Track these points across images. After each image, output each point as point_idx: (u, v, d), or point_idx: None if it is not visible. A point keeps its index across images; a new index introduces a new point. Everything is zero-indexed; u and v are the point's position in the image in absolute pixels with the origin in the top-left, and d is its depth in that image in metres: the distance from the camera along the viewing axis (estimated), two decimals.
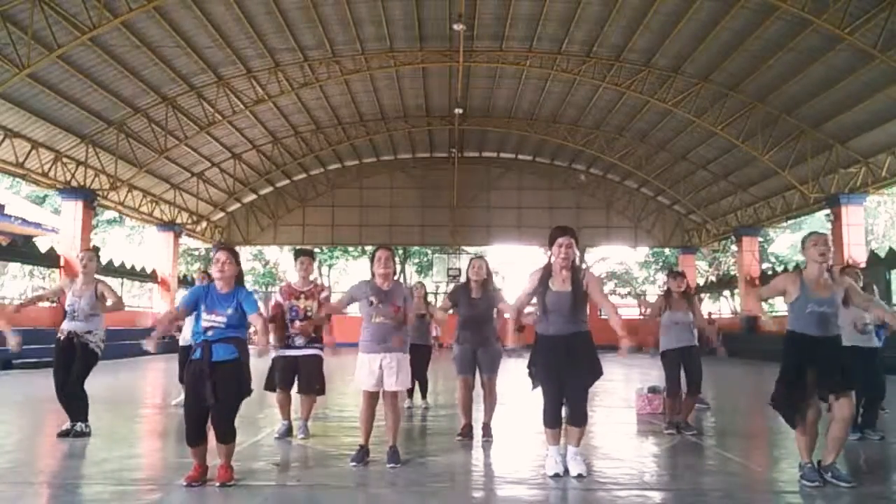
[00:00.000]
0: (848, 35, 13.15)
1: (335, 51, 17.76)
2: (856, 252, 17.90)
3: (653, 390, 7.42)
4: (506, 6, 15.84)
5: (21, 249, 18.60)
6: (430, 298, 8.97)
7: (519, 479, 4.32)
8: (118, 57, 15.29)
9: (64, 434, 5.46)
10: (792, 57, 15.16)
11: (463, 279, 5.89)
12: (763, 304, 5.01)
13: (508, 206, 28.10)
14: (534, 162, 27.83)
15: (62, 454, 5.00)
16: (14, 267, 29.36)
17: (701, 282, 31.30)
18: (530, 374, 4.50)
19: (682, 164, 23.43)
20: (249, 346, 4.22)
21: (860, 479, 4.21)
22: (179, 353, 7.28)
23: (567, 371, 4.30)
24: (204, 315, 4.08)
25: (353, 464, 4.52)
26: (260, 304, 4.42)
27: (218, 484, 3.94)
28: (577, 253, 4.41)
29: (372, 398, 4.67)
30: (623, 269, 40.76)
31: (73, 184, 18.29)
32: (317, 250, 32.63)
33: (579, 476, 4.20)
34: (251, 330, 4.34)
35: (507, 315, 5.47)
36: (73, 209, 18.57)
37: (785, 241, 35.17)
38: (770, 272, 25.68)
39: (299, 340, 5.46)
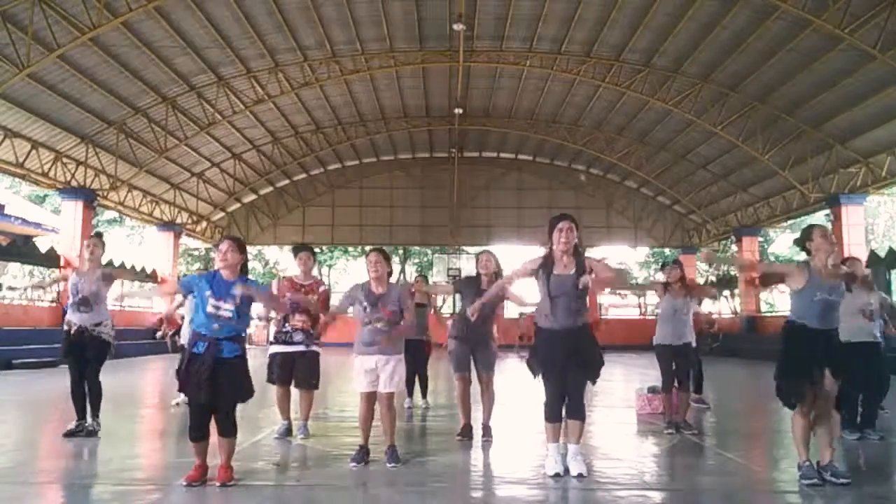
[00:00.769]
0: (848, 35, 13.15)
1: (335, 51, 17.76)
2: (856, 252, 17.86)
3: (653, 390, 7.41)
4: (506, 6, 15.84)
5: (21, 249, 18.59)
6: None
7: (519, 479, 4.32)
8: (118, 57, 15.29)
9: (71, 433, 5.43)
10: (792, 57, 15.15)
11: (472, 273, 5.86)
12: (760, 298, 5.03)
13: (508, 206, 28.09)
14: (534, 162, 27.83)
15: (62, 454, 5.00)
16: (14, 267, 29.35)
17: (701, 282, 31.29)
18: (529, 366, 4.50)
19: (682, 164, 23.43)
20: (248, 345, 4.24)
21: (860, 479, 4.21)
22: (182, 352, 7.28)
23: (568, 365, 4.30)
24: (211, 301, 4.03)
25: (353, 464, 4.52)
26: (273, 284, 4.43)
27: (218, 484, 3.94)
28: (577, 239, 4.39)
29: (369, 399, 4.67)
30: (623, 269, 40.77)
31: (73, 184, 18.28)
32: (317, 250, 32.51)
33: (579, 476, 4.20)
34: (257, 323, 4.37)
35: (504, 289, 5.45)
36: (73, 209, 18.57)
37: (785, 241, 35.15)
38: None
39: (297, 336, 5.48)
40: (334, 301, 5.74)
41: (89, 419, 5.50)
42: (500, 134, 24.95)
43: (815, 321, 4.14)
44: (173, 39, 15.29)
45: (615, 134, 22.95)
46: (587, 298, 4.48)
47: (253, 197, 27.53)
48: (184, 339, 7.19)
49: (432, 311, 7.92)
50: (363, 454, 4.59)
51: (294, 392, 5.68)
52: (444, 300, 24.98)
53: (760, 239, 27.19)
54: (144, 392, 10.29)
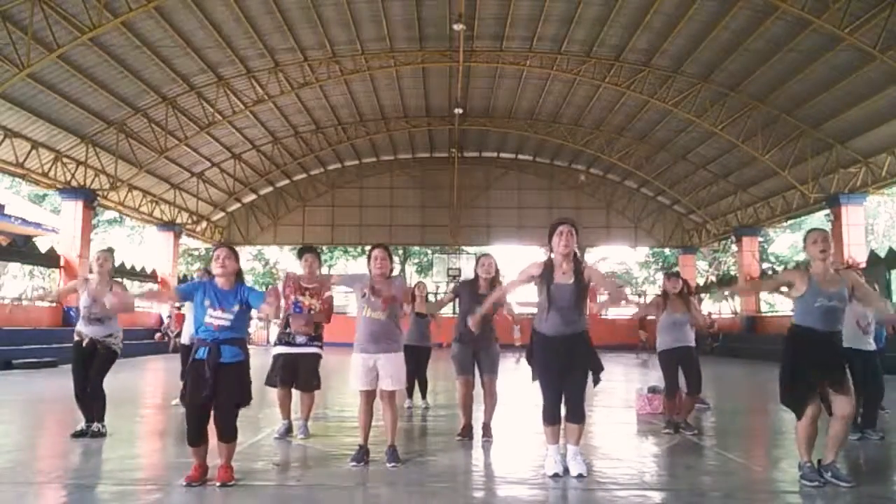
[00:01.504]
0: (848, 35, 13.15)
1: (335, 51, 17.76)
2: (856, 252, 17.89)
3: (653, 390, 7.42)
4: (506, 6, 15.84)
5: (21, 249, 18.60)
6: (431, 299, 8.93)
7: (519, 479, 4.32)
8: (118, 57, 15.29)
9: (79, 434, 5.44)
10: (792, 57, 15.15)
11: (470, 276, 5.87)
12: (760, 298, 4.99)
13: (508, 206, 28.09)
14: (534, 162, 27.83)
15: (62, 454, 5.00)
16: (14, 267, 29.35)
17: (701, 282, 31.29)
18: (529, 362, 4.51)
19: (682, 164, 23.43)
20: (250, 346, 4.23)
21: (860, 479, 4.21)
22: (181, 351, 7.28)
23: (566, 369, 4.30)
24: (210, 311, 4.05)
25: (353, 464, 4.52)
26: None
27: (218, 484, 3.94)
28: (577, 248, 4.41)
29: (368, 397, 4.67)
30: (623, 269, 40.75)
31: (73, 184, 18.29)
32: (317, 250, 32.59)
33: (580, 476, 4.20)
34: (257, 323, 4.36)
35: (506, 313, 5.50)
36: (73, 209, 18.57)
37: (785, 241, 35.18)
38: (770, 272, 25.67)
39: (300, 338, 5.49)
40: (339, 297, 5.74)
41: (95, 423, 5.51)
42: (500, 134, 24.94)
43: (819, 324, 4.13)
44: (173, 39, 15.29)
45: (615, 134, 22.95)
46: (587, 303, 4.47)
47: (253, 197, 27.53)
48: (184, 338, 7.20)
49: (432, 319, 7.95)
50: (363, 454, 4.59)
51: (295, 392, 5.68)
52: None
53: (760, 239, 27.18)
54: (145, 392, 10.29)
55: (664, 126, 21.19)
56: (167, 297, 4.74)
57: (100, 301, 5.48)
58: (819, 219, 25.21)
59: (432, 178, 27.87)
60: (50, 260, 18.60)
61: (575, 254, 4.39)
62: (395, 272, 4.95)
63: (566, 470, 4.28)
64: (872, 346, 5.75)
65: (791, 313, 4.38)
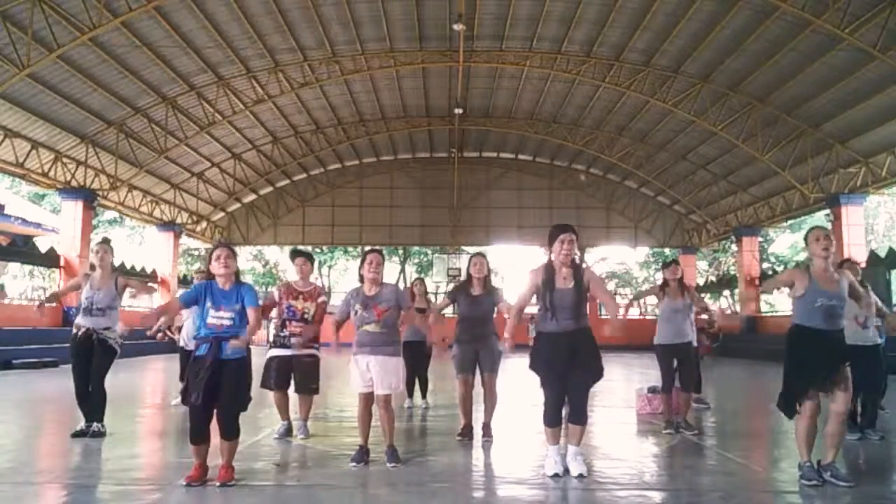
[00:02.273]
0: (848, 35, 13.15)
1: (335, 51, 17.76)
2: (856, 252, 17.85)
3: (653, 390, 7.41)
4: (506, 6, 15.84)
5: (21, 249, 18.60)
6: (430, 297, 8.88)
7: (519, 479, 4.32)
8: (118, 57, 15.29)
9: (79, 434, 5.43)
10: (792, 57, 15.16)
11: (463, 277, 5.87)
12: (761, 300, 4.94)
13: (508, 206, 28.09)
14: (534, 162, 27.83)
15: (63, 454, 5.00)
16: (14, 267, 29.35)
17: (701, 282, 31.30)
18: (533, 368, 4.50)
19: (682, 164, 23.44)
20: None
21: (860, 479, 4.21)
22: (181, 355, 7.27)
23: (570, 369, 4.30)
24: (211, 312, 4.06)
25: (353, 464, 4.52)
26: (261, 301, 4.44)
27: (218, 484, 3.94)
28: (578, 253, 4.43)
29: (367, 399, 4.67)
30: (623, 269, 40.75)
31: (73, 184, 18.29)
32: (317, 250, 32.62)
33: (580, 476, 4.20)
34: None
35: (506, 315, 5.48)
36: (73, 209, 18.57)
37: (785, 241, 35.16)
38: (770, 272, 25.68)
39: (294, 340, 5.48)
40: (333, 305, 5.73)
41: (94, 423, 5.51)
42: (500, 134, 24.94)
43: (820, 322, 4.13)
44: (173, 39, 15.29)
45: (615, 134, 22.95)
46: (587, 304, 4.48)
47: (253, 197, 27.53)
48: (183, 338, 7.20)
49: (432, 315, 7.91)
50: (363, 454, 4.59)
51: (293, 395, 5.68)
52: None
53: (760, 239, 27.17)
54: (144, 392, 10.29)
55: (664, 126, 21.19)
56: (173, 309, 4.73)
57: (104, 291, 5.52)
58: (819, 219, 25.20)
59: (432, 178, 27.87)
60: (50, 260, 18.60)
61: (574, 260, 4.41)
62: (393, 276, 4.94)
63: (566, 470, 4.28)
64: (875, 341, 5.73)
65: (791, 313, 4.38)
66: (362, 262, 4.73)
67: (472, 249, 29.82)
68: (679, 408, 6.19)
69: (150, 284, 6.43)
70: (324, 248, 33.44)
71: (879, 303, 5.80)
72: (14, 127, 16.02)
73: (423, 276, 28.47)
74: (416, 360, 7.50)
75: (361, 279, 4.74)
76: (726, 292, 32.11)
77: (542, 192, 28.09)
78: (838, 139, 17.57)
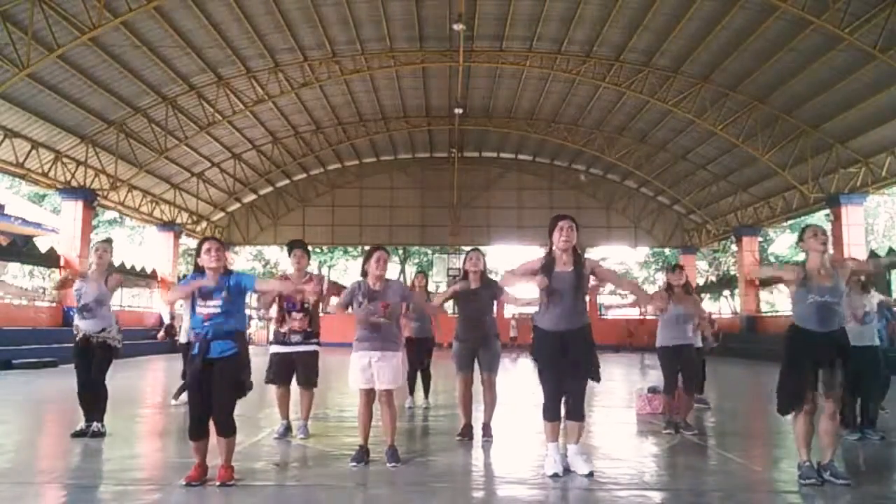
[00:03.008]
0: (848, 35, 13.14)
1: (335, 51, 17.76)
2: (856, 252, 17.88)
3: (653, 390, 7.42)
4: (506, 6, 15.84)
5: (21, 249, 18.59)
6: (431, 291, 8.82)
7: (519, 479, 4.32)
8: (118, 57, 15.29)
9: (79, 434, 5.44)
10: (792, 57, 15.15)
11: (461, 274, 5.87)
12: (760, 298, 4.85)
13: (508, 206, 28.09)
14: (534, 162, 27.83)
15: (62, 454, 5.00)
16: (14, 267, 29.34)
17: (701, 282, 31.30)
18: (534, 358, 4.54)
19: (682, 164, 23.43)
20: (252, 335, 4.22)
21: (860, 479, 4.21)
22: (182, 349, 7.29)
23: (567, 367, 4.31)
24: (199, 302, 4.07)
25: (353, 464, 4.52)
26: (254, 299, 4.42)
27: (218, 483, 3.94)
28: (577, 238, 4.44)
29: (367, 396, 4.67)
30: (623, 269, 40.73)
31: (73, 184, 18.29)
32: (317, 250, 32.61)
33: (590, 475, 4.21)
34: (260, 313, 4.35)
35: (507, 293, 5.44)
36: (73, 209, 18.56)
37: (785, 241, 35.13)
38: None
39: (295, 337, 5.49)
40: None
41: (94, 423, 5.51)
42: (500, 134, 24.94)
43: (814, 324, 4.13)
44: (173, 39, 15.29)
45: (615, 134, 22.94)
46: (587, 297, 4.49)
47: (253, 197, 27.53)
48: (182, 337, 7.20)
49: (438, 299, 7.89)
50: (363, 454, 4.59)
51: (294, 392, 5.68)
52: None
53: (760, 239, 27.17)
54: (144, 392, 10.29)
55: (664, 126, 21.19)
56: (172, 297, 4.71)
57: (98, 291, 5.51)
58: (819, 219, 25.20)
59: (432, 178, 27.87)
60: (50, 260, 18.59)
61: (575, 248, 4.43)
62: (393, 275, 4.95)
63: (566, 469, 4.29)
64: (876, 342, 5.73)
65: (791, 313, 4.39)
66: (367, 258, 4.73)
67: None
68: (679, 408, 6.19)
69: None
70: (324, 248, 33.42)
71: (890, 301, 5.82)
72: (14, 127, 16.02)
73: (423, 270, 28.52)
74: (420, 356, 7.50)
75: (365, 274, 4.74)
76: (726, 292, 32.09)
77: (542, 192, 28.09)
78: (838, 139, 17.57)
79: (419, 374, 7.76)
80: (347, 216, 28.09)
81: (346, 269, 40.21)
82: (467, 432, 5.64)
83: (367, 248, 4.97)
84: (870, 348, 5.64)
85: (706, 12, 14.65)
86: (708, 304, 30.82)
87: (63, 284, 6.22)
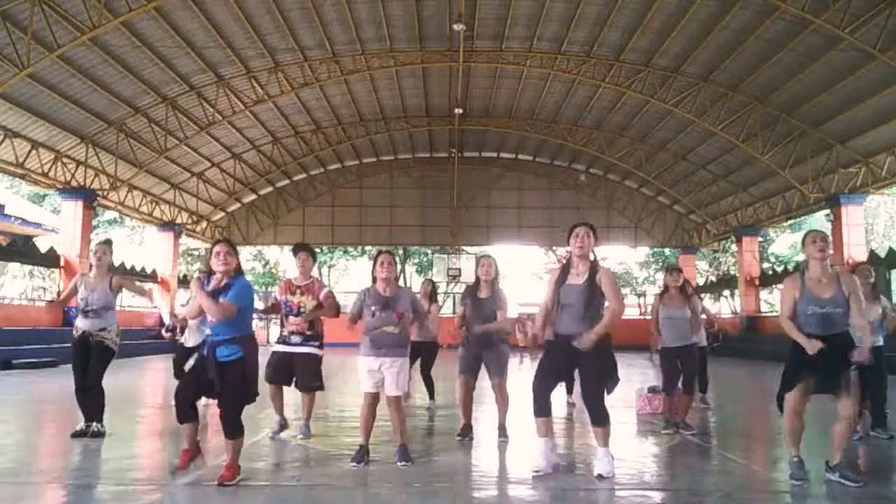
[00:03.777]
0: (848, 35, 13.14)
1: (335, 51, 17.76)
2: (856, 252, 17.89)
3: (653, 390, 7.41)
4: (506, 6, 15.84)
5: (21, 249, 18.60)
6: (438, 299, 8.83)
7: (519, 479, 4.32)
8: (118, 57, 15.28)
9: (78, 434, 5.43)
10: (792, 57, 15.15)
11: (471, 279, 5.85)
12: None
13: (508, 206, 28.10)
14: (534, 162, 27.82)
15: (62, 454, 5.00)
16: (14, 267, 29.33)
17: (701, 282, 31.29)
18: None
19: (682, 164, 23.43)
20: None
21: (866, 479, 4.20)
22: (178, 351, 7.28)
23: (568, 369, 4.31)
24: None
25: (353, 464, 4.52)
26: (257, 299, 4.44)
27: (217, 483, 3.94)
28: (592, 245, 4.40)
29: (373, 399, 4.68)
30: (623, 269, 40.72)
31: (73, 184, 18.29)
32: (317, 250, 32.55)
33: (599, 476, 4.19)
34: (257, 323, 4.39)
35: (506, 324, 5.45)
36: (73, 209, 18.56)
37: (785, 241, 35.11)
38: (770, 272, 25.67)
39: (295, 338, 5.49)
40: (344, 306, 5.73)
41: (94, 423, 5.51)
42: (500, 134, 24.94)
43: (814, 329, 4.12)
44: (173, 39, 15.28)
45: (615, 134, 22.94)
46: (601, 307, 4.37)
47: (253, 197, 27.52)
48: (185, 339, 7.20)
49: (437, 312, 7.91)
50: (363, 454, 4.59)
51: (295, 392, 5.68)
52: (443, 301, 25.06)
53: (760, 239, 27.17)
54: (144, 392, 10.29)
55: (664, 126, 21.18)
56: (193, 313, 4.72)
57: (98, 292, 5.53)
58: (819, 219, 25.20)
59: (432, 178, 27.87)
60: (50, 260, 18.60)
61: (590, 257, 4.42)
62: (398, 278, 4.92)
63: (555, 468, 4.31)
64: (880, 341, 5.72)
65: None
66: (375, 262, 4.74)
67: (473, 249, 29.85)
68: (679, 408, 6.19)
69: (145, 287, 6.41)
70: (324, 248, 33.41)
71: (889, 307, 5.81)
72: (14, 127, 16.02)
73: (430, 278, 28.55)
74: (423, 361, 7.49)
75: (374, 280, 4.74)
76: (726, 292, 32.08)
77: (542, 192, 28.09)
78: (838, 139, 17.56)
79: (421, 378, 7.74)
80: (347, 216, 28.09)
81: (346, 269, 40.20)
82: (467, 432, 5.64)
83: (367, 248, 4.97)
84: (875, 349, 5.62)
85: (706, 12, 14.65)
86: (708, 305, 30.83)
87: (67, 301, 6.28)
